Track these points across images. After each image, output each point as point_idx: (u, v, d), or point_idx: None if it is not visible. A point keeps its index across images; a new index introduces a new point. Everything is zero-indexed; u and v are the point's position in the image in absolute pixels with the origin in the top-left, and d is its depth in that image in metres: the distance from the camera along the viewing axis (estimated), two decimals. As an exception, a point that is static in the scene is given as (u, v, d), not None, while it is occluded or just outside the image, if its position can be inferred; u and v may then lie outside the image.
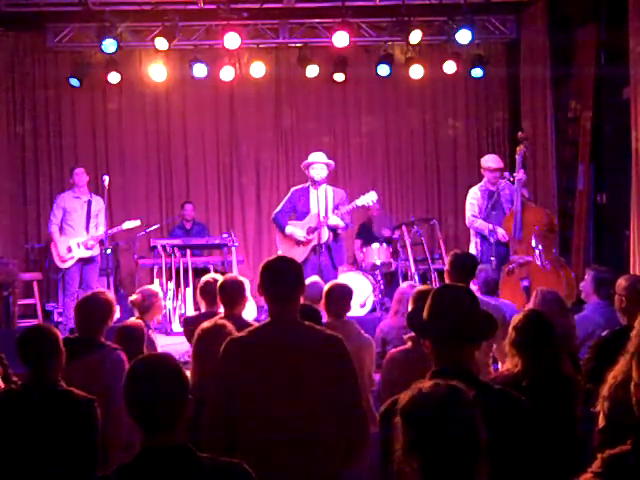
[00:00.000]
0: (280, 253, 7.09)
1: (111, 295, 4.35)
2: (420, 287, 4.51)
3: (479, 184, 7.58)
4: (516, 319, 3.43)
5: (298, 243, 7.23)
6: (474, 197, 7.47)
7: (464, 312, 2.47)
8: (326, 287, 4.70)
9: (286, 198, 7.47)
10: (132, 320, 4.71)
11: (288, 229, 7.27)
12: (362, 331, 4.62)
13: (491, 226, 7.18)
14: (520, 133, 7.70)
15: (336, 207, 7.22)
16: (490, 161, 7.61)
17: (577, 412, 3.19)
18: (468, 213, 7.47)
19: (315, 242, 7.13)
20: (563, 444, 3.04)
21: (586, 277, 5.03)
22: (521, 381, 3.22)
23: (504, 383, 3.13)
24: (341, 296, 4.61)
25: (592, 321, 4.76)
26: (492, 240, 7.13)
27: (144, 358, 2.34)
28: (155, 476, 2.16)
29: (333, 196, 7.29)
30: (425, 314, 2.53)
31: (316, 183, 7.21)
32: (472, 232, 7.52)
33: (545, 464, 2.78)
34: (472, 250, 7.37)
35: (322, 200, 7.17)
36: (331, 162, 7.34)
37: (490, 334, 2.63)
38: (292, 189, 7.54)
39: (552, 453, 2.92)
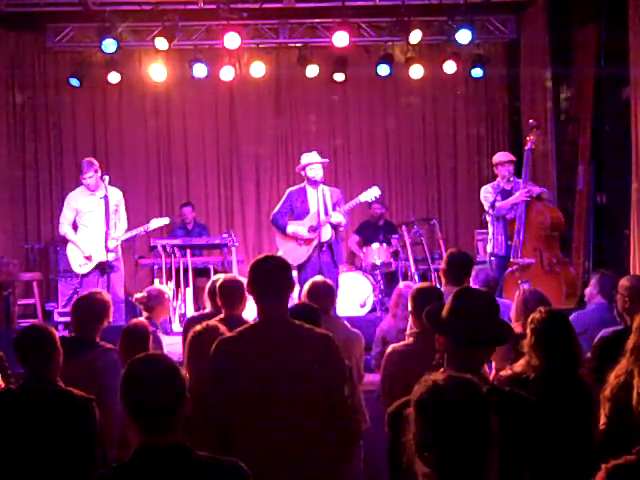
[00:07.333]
0: (281, 253, 7.08)
1: (108, 296, 4.37)
2: (419, 284, 4.50)
3: (492, 183, 7.52)
4: (532, 320, 3.29)
5: (300, 242, 7.22)
6: (486, 192, 7.37)
7: (487, 316, 2.51)
8: (308, 286, 4.66)
9: (283, 199, 7.41)
10: (136, 320, 4.68)
11: (290, 228, 7.22)
12: (350, 326, 4.63)
13: (512, 198, 7.11)
14: (531, 121, 7.55)
15: (336, 204, 7.22)
16: (500, 156, 7.58)
17: (593, 418, 3.08)
18: (486, 207, 7.31)
19: (317, 241, 7.12)
20: (577, 451, 2.98)
21: (592, 281, 4.95)
22: (535, 382, 3.15)
23: (512, 383, 3.09)
24: (325, 293, 4.61)
25: (587, 320, 4.68)
26: (510, 217, 7.08)
27: (140, 358, 2.33)
28: (153, 474, 2.17)
29: (330, 195, 7.29)
30: (445, 312, 2.55)
31: (315, 183, 7.20)
32: (491, 230, 7.37)
33: (557, 468, 2.76)
34: (493, 245, 7.31)
35: (321, 199, 7.16)
36: (326, 160, 7.37)
37: (506, 341, 2.66)
38: (288, 190, 7.49)
39: (564, 460, 2.88)
